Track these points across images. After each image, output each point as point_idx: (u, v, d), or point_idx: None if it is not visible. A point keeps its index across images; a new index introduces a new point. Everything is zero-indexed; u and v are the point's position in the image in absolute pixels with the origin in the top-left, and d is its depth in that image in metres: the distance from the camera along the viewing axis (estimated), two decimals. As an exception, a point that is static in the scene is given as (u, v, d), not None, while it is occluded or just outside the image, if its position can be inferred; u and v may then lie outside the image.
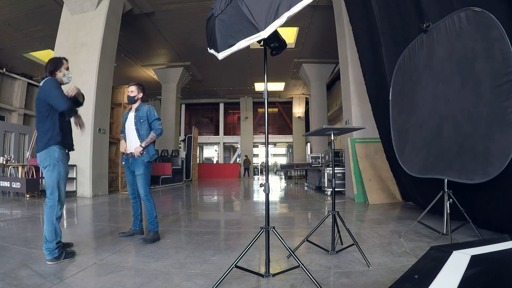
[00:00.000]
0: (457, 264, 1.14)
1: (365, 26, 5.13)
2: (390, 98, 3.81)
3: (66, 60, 2.57)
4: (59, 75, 2.49)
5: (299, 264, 1.78)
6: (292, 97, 19.62)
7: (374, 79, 5.08)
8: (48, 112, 2.38)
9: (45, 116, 2.38)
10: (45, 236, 2.27)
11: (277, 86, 17.09)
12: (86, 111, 6.61)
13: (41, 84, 2.39)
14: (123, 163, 3.10)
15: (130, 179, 3.06)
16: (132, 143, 3.02)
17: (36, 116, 2.45)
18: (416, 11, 3.55)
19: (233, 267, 1.75)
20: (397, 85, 3.72)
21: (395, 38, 4.09)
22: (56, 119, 2.41)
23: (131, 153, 2.99)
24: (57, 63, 2.50)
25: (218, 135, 21.54)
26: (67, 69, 2.56)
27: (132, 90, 3.07)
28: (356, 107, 6.24)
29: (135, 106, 3.10)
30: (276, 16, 1.58)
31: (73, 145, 2.61)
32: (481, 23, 2.52)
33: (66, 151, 2.49)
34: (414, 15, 3.59)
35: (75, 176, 6.62)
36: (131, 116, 3.09)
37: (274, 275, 1.87)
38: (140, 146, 2.94)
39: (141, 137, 3.00)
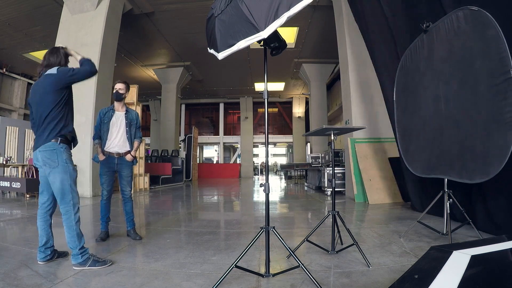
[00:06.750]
0: (457, 264, 1.14)
1: (377, 23, 5.00)
2: (394, 99, 3.80)
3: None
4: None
5: (299, 264, 1.78)
6: (292, 97, 19.60)
7: (389, 77, 4.92)
8: (64, 99, 2.18)
9: (59, 105, 2.15)
10: (68, 243, 2.12)
11: (277, 86, 17.08)
12: (86, 111, 6.61)
13: (51, 72, 2.22)
14: (98, 161, 3.00)
15: (110, 179, 2.99)
16: (120, 143, 3.00)
17: (41, 110, 2.16)
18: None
19: (233, 267, 1.75)
20: (400, 85, 3.72)
21: (410, 34, 4.01)
22: (71, 107, 2.25)
23: (118, 153, 2.96)
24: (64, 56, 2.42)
25: (218, 135, 21.53)
26: None
27: (121, 88, 3.04)
28: (356, 107, 6.23)
29: (120, 105, 3.08)
30: (276, 16, 1.58)
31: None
32: (478, 22, 2.52)
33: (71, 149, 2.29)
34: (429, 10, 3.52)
35: (75, 176, 6.61)
36: (121, 116, 3.06)
37: (274, 275, 1.87)
38: (131, 155, 3.00)
39: (130, 139, 3.04)
